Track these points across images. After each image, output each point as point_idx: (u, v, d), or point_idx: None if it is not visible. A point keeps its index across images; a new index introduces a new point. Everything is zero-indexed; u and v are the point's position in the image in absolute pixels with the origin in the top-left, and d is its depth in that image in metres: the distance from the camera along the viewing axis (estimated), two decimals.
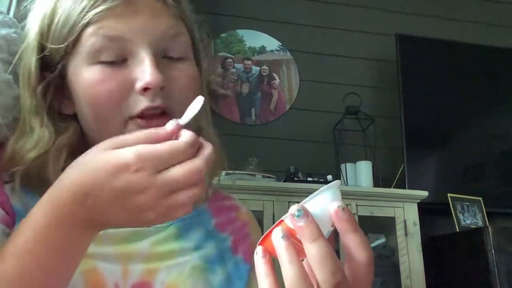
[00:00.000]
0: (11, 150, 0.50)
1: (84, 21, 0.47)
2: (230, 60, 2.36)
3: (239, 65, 2.37)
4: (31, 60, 0.50)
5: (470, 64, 2.39)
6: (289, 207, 1.37)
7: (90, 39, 0.47)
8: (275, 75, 2.39)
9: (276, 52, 2.43)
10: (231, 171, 1.75)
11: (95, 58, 0.48)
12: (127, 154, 0.36)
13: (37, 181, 0.49)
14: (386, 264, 1.89)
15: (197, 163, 0.38)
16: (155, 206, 0.37)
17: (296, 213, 0.36)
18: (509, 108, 2.38)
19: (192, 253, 0.56)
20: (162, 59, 0.50)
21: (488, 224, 2.03)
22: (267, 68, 2.39)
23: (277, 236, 0.36)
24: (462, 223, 2.01)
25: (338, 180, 0.40)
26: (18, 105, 0.53)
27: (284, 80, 2.40)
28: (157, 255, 0.53)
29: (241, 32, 2.42)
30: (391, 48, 2.31)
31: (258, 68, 2.38)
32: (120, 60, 0.48)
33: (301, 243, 0.35)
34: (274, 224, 0.38)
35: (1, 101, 0.52)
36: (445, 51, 2.37)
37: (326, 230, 0.37)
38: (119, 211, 0.38)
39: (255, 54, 2.40)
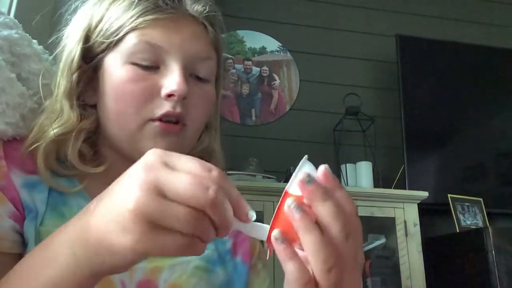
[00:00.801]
0: (40, 123, 0.53)
1: (133, 25, 0.52)
2: (230, 60, 2.37)
3: (239, 66, 2.37)
4: (76, 48, 0.55)
5: (470, 64, 2.39)
6: None
7: (132, 41, 0.52)
8: (275, 75, 2.40)
9: (276, 52, 2.44)
10: (231, 172, 1.76)
11: (131, 59, 0.52)
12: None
13: (52, 160, 0.53)
14: (386, 265, 1.89)
15: (213, 186, 0.33)
16: (140, 197, 0.31)
17: (307, 179, 0.37)
18: (509, 108, 2.39)
19: None
20: (189, 76, 0.55)
21: (488, 225, 2.03)
22: (267, 68, 2.40)
23: (290, 207, 0.37)
24: (462, 223, 2.01)
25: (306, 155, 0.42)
26: (24, 103, 0.54)
27: (284, 80, 2.40)
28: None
29: (241, 33, 2.43)
30: (391, 48, 2.31)
31: (258, 69, 2.39)
32: (153, 66, 0.53)
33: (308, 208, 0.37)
34: (280, 201, 0.39)
35: (6, 99, 0.52)
36: (445, 52, 2.37)
37: None
38: (103, 205, 0.34)
39: (255, 55, 2.41)
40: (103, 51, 0.54)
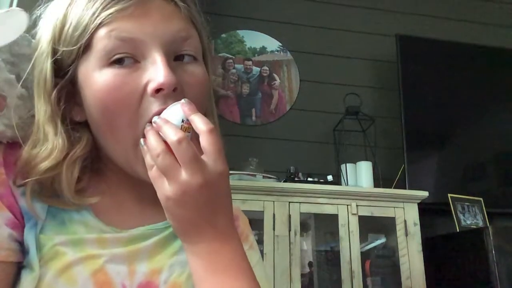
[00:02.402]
0: (25, 157, 0.49)
1: (96, 22, 0.47)
2: (230, 60, 2.37)
3: (239, 66, 2.37)
4: (45, 65, 0.50)
5: (470, 64, 2.39)
6: (289, 207, 1.42)
7: (102, 41, 0.47)
8: (275, 75, 2.40)
9: (276, 52, 2.44)
10: (232, 172, 1.76)
11: (106, 61, 0.48)
12: None
13: (49, 191, 0.50)
14: (386, 264, 1.89)
15: None
16: None
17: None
18: (509, 108, 2.38)
19: None
20: (174, 61, 0.50)
21: (488, 225, 2.03)
22: (267, 68, 2.40)
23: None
24: (463, 223, 2.01)
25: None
26: (24, 105, 0.53)
27: (285, 80, 2.40)
28: (160, 255, 0.54)
29: (241, 33, 2.43)
30: (391, 48, 2.31)
31: (258, 69, 2.39)
32: (131, 62, 0.48)
33: None
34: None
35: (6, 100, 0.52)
36: (445, 52, 2.37)
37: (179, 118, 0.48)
38: None
39: (256, 55, 2.41)
40: (74, 60, 0.49)
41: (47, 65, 0.50)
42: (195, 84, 0.51)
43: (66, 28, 0.49)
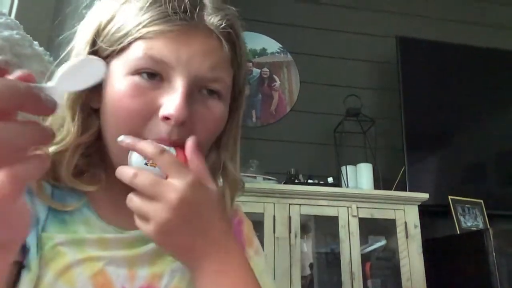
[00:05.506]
0: None
1: (137, 34, 0.48)
2: None
3: None
4: (84, 51, 0.52)
5: (470, 65, 2.39)
6: (289, 209, 1.41)
7: (136, 53, 0.48)
8: (275, 77, 2.40)
9: (276, 54, 2.44)
10: None
11: (134, 70, 0.49)
12: None
13: (51, 177, 0.51)
14: (386, 266, 1.89)
15: None
16: None
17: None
18: (509, 109, 2.39)
19: None
20: (198, 92, 0.51)
21: (489, 226, 2.03)
22: (267, 70, 2.40)
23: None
24: (463, 225, 2.01)
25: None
26: None
27: (285, 82, 2.40)
28: (161, 260, 0.54)
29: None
30: (392, 50, 2.31)
31: (258, 70, 2.39)
32: (156, 78, 0.49)
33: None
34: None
35: None
36: (445, 53, 2.38)
37: None
38: None
39: (256, 56, 2.41)
40: (107, 57, 0.51)
41: (85, 54, 0.51)
42: (209, 119, 0.52)
43: (109, 26, 0.51)
